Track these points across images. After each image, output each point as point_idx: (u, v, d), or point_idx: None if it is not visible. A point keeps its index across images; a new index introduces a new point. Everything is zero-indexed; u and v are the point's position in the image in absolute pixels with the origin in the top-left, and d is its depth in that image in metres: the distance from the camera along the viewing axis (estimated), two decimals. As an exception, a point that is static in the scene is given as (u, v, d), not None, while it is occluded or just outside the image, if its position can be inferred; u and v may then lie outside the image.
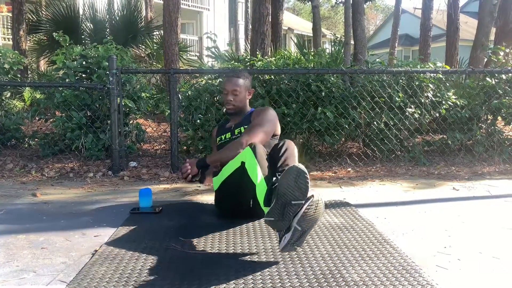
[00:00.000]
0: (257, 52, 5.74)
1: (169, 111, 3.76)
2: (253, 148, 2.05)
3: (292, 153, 2.05)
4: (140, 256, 1.82)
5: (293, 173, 1.69)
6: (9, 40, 12.18)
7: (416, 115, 3.96)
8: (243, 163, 2.07)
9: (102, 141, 3.99)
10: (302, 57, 5.12)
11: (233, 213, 2.34)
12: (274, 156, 2.07)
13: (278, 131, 2.56)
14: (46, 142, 4.18)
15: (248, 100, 2.66)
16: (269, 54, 6.61)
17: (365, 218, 2.37)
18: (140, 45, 9.07)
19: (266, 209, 1.81)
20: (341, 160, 3.98)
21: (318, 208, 1.68)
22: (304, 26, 24.26)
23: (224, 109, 3.81)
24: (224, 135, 2.58)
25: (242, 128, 2.51)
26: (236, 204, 2.29)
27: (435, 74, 4.03)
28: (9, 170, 3.70)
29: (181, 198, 2.89)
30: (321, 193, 3.01)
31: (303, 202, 1.67)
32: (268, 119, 2.45)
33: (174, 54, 6.85)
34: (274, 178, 1.90)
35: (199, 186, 3.20)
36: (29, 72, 8.59)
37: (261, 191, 1.90)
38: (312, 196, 1.70)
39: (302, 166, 1.71)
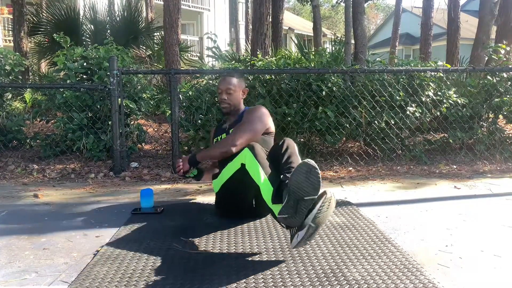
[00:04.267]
0: (258, 52, 5.73)
1: (170, 111, 3.76)
2: (252, 148, 2.06)
3: (293, 151, 2.05)
4: (141, 257, 1.82)
5: (304, 169, 1.70)
6: (10, 42, 12.20)
7: (417, 114, 3.95)
8: (243, 165, 2.08)
9: (103, 142, 3.99)
10: (302, 57, 5.13)
11: (234, 213, 2.34)
12: (276, 155, 2.07)
13: (272, 129, 2.54)
14: (47, 143, 4.18)
15: (242, 100, 2.65)
16: (270, 54, 6.61)
17: (366, 217, 2.37)
18: (141, 46, 9.07)
19: (275, 207, 1.83)
20: (342, 159, 3.97)
21: (331, 205, 1.70)
22: (304, 26, 24.25)
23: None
24: (220, 136, 2.57)
25: None
26: (238, 205, 2.31)
27: (435, 73, 4.03)
28: (11, 171, 3.70)
29: (183, 198, 2.90)
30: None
31: (316, 197, 1.69)
32: (257, 117, 2.43)
33: (174, 55, 6.84)
34: (282, 176, 1.90)
35: (201, 187, 3.20)
36: (30, 73, 8.59)
37: (266, 191, 1.91)
38: (325, 193, 1.71)
39: (312, 162, 1.72)
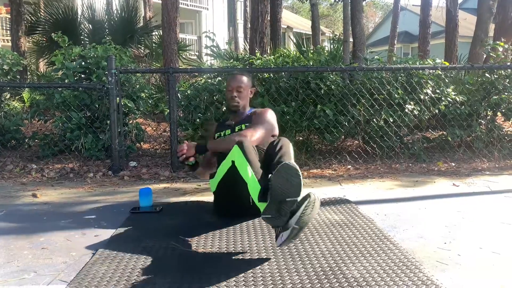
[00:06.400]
0: (256, 51, 5.74)
1: (168, 110, 3.75)
2: (241, 145, 2.08)
3: (287, 150, 2.06)
4: (140, 255, 1.82)
5: (285, 170, 1.71)
6: (8, 42, 12.16)
7: (416, 112, 3.95)
8: (233, 162, 2.09)
9: (102, 141, 3.99)
10: (301, 55, 5.12)
11: (232, 212, 2.34)
12: (270, 153, 2.08)
13: (277, 132, 2.57)
14: (46, 142, 4.18)
15: (249, 99, 2.68)
16: (268, 52, 6.61)
17: (365, 215, 2.37)
18: (139, 45, 9.05)
19: (261, 205, 1.84)
20: (341, 157, 3.97)
21: (315, 207, 1.70)
22: (303, 24, 24.22)
23: (224, 108, 3.83)
24: (224, 131, 2.57)
25: (243, 126, 2.52)
26: (235, 203, 2.30)
27: (434, 71, 4.03)
28: (9, 171, 3.70)
29: (181, 197, 2.90)
30: (319, 191, 3.01)
31: (297, 199, 1.69)
32: (268, 119, 2.52)
33: (173, 54, 6.83)
34: (270, 175, 1.91)
35: (199, 186, 3.20)
36: (28, 73, 8.57)
37: (253, 188, 1.93)
38: (309, 195, 1.71)
39: (293, 163, 1.73)
